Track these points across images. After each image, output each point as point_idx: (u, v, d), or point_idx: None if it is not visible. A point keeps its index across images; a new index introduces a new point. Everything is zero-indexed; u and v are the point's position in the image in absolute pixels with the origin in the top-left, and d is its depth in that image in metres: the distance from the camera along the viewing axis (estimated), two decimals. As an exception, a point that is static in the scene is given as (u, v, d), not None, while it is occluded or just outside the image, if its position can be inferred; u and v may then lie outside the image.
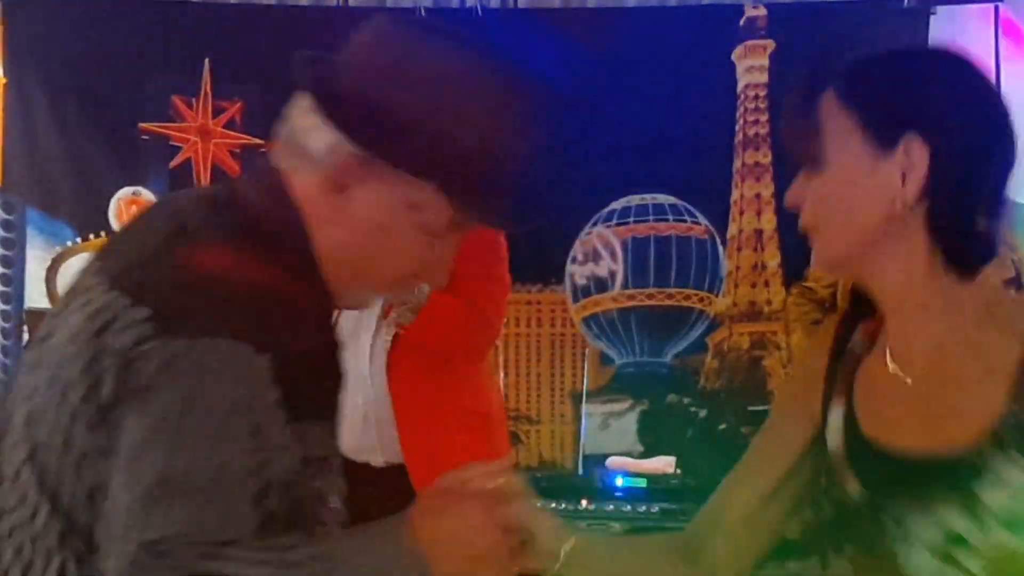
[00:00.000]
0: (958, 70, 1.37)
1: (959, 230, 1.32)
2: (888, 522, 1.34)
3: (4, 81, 4.88)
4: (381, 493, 2.87)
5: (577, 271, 4.75)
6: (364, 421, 3.01)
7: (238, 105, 4.81)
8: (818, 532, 1.43)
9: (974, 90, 1.36)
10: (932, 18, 4.46)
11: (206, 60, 4.79)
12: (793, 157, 1.40)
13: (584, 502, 3.87)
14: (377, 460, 3.04)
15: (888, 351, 1.40)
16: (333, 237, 1.35)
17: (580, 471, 4.61)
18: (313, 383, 1.32)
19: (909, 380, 1.37)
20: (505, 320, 4.78)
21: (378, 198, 1.34)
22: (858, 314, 1.46)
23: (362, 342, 3.02)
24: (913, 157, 1.31)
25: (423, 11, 4.69)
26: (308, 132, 1.38)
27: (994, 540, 1.27)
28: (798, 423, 1.47)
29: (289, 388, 1.24)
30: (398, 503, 1.37)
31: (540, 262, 4.75)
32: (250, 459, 1.22)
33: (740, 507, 1.50)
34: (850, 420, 1.41)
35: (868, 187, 1.33)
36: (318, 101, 1.38)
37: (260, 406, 1.23)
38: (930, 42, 4.40)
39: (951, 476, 1.29)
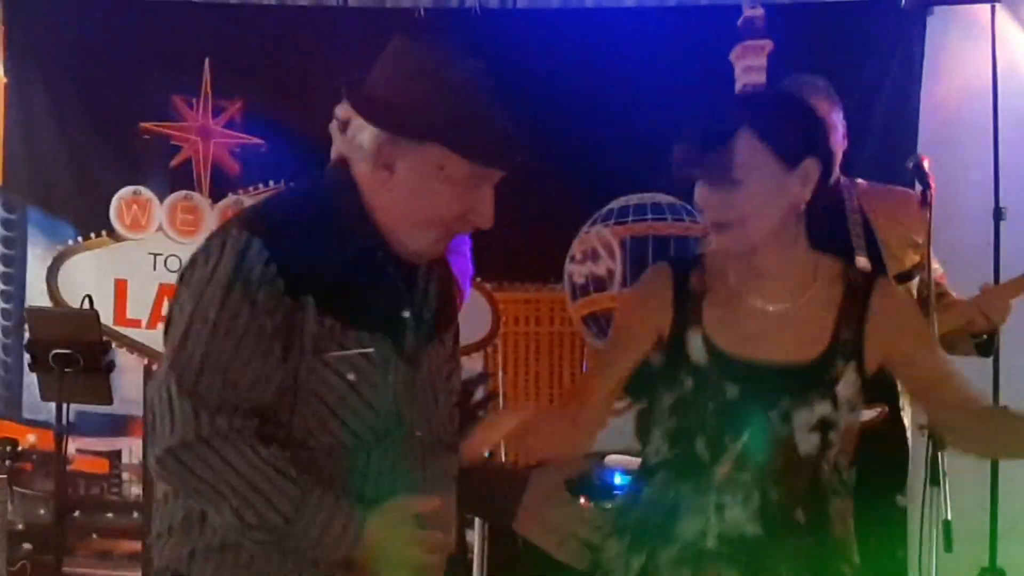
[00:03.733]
0: (824, 107, 2.27)
1: (820, 217, 2.02)
2: (773, 415, 1.99)
3: (4, 81, 4.90)
4: None
5: (576, 270, 4.76)
6: None
7: (238, 105, 4.82)
8: (704, 425, 2.04)
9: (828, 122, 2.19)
10: (929, 18, 4.47)
11: (206, 60, 4.80)
12: (707, 176, 2.00)
13: (582, 500, 3.88)
14: None
15: (748, 292, 2.04)
16: (385, 200, 1.84)
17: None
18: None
19: (771, 308, 2.03)
20: (504, 319, 4.81)
21: (412, 164, 1.81)
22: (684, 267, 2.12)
23: None
24: (810, 172, 1.99)
25: (423, 11, 4.71)
26: (358, 130, 1.83)
27: (842, 417, 2.01)
28: (644, 339, 2.10)
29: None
30: None
31: (539, 261, 4.77)
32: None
33: (593, 392, 2.14)
34: (707, 340, 2.03)
35: (778, 195, 1.98)
36: (355, 107, 1.83)
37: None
38: (927, 42, 4.44)
39: (814, 379, 2.00)
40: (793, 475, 2.00)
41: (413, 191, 1.83)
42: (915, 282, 3.31)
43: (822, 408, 1.99)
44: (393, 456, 1.83)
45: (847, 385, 2.00)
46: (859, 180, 3.34)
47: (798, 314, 2.02)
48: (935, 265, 3.33)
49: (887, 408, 3.15)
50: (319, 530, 1.73)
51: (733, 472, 1.99)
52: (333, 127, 1.87)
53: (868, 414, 3.01)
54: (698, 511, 2.01)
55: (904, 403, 3.17)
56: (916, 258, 3.28)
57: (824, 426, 1.99)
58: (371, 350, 1.83)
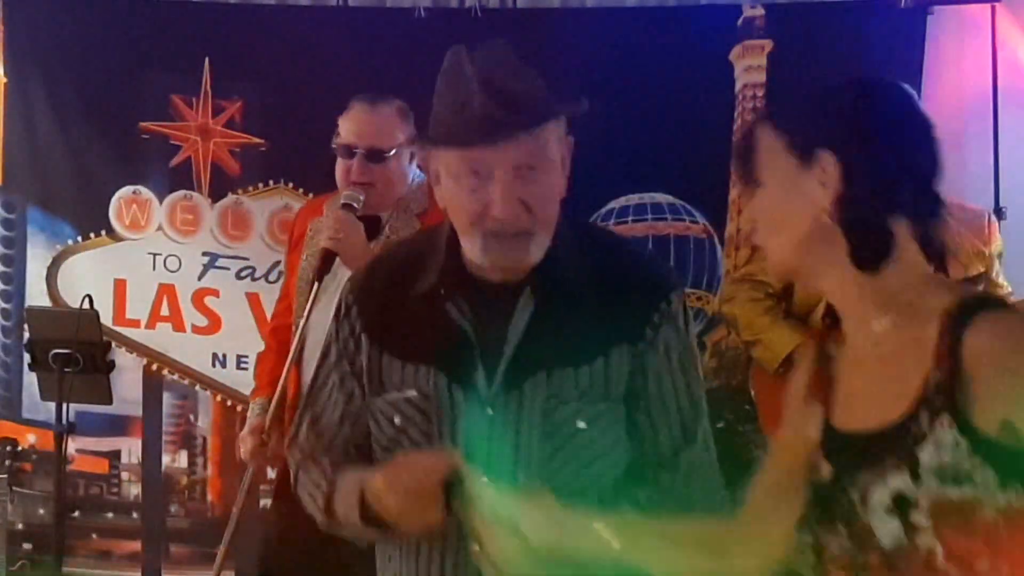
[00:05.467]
0: (871, 96, 1.61)
1: (862, 232, 1.55)
2: (853, 495, 1.51)
3: (4, 81, 4.89)
4: None
5: (576, 270, 4.75)
6: None
7: (238, 104, 4.82)
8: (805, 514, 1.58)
9: (882, 114, 1.58)
10: (929, 18, 4.47)
11: (206, 60, 4.80)
12: (740, 180, 1.66)
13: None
14: None
15: (841, 340, 1.61)
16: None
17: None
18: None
19: (853, 359, 1.58)
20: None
21: (435, 170, 1.88)
22: (831, 323, 1.65)
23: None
24: (827, 169, 1.54)
25: (422, 11, 4.70)
26: None
27: (930, 492, 1.45)
28: (799, 435, 1.63)
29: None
30: None
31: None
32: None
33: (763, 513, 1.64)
34: (827, 416, 1.60)
35: (795, 198, 1.57)
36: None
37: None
38: (927, 42, 4.44)
39: (895, 445, 1.48)
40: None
41: (443, 197, 1.87)
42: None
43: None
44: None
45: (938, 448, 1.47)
46: None
47: (887, 362, 1.54)
48: (1004, 285, 3.50)
49: None
50: (341, 508, 1.87)
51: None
52: None
53: None
54: None
55: None
56: (981, 268, 3.45)
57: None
58: (412, 393, 1.83)
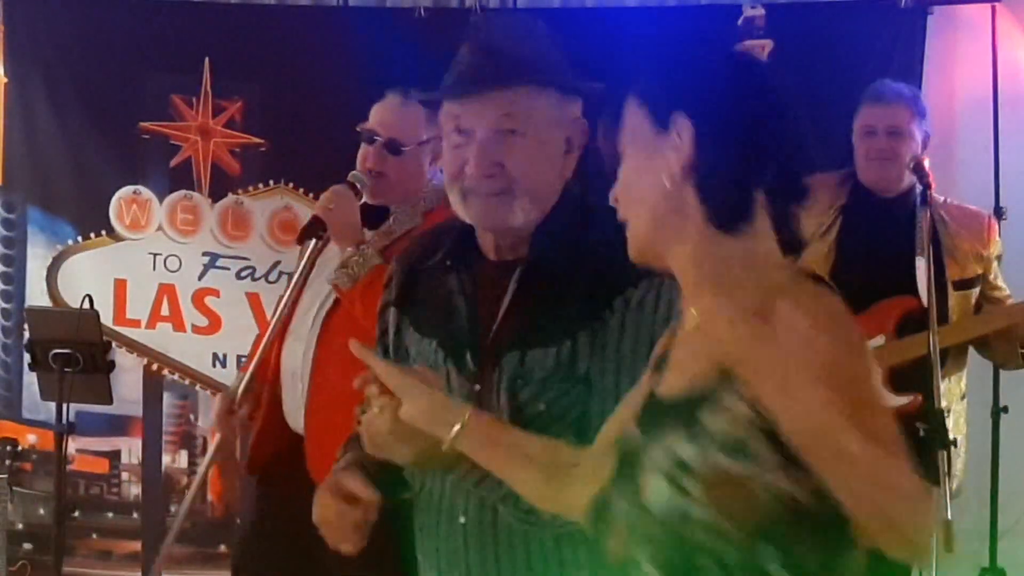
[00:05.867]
0: (730, 64, 1.56)
1: (719, 191, 1.47)
2: (645, 457, 1.48)
3: (4, 81, 4.90)
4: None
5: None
6: (300, 382, 2.91)
7: (238, 104, 4.82)
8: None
9: (739, 85, 1.51)
10: (929, 18, 4.47)
11: (206, 60, 4.80)
12: (607, 156, 1.59)
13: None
14: (299, 425, 2.93)
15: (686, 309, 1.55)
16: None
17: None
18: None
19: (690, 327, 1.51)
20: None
21: (443, 125, 1.92)
22: None
23: (316, 303, 2.94)
24: (682, 134, 1.46)
25: (422, 11, 4.71)
26: None
27: (711, 462, 1.39)
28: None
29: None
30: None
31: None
32: None
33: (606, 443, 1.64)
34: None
35: (650, 167, 1.49)
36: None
37: None
38: (927, 42, 4.44)
39: (683, 407, 1.44)
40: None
41: (446, 148, 1.94)
42: (975, 291, 3.54)
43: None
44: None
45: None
46: (935, 195, 3.47)
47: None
48: (1003, 287, 3.53)
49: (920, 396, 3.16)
50: None
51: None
52: None
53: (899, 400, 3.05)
54: None
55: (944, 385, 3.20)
56: (979, 270, 3.48)
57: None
58: (424, 366, 1.84)
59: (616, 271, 1.75)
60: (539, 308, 1.84)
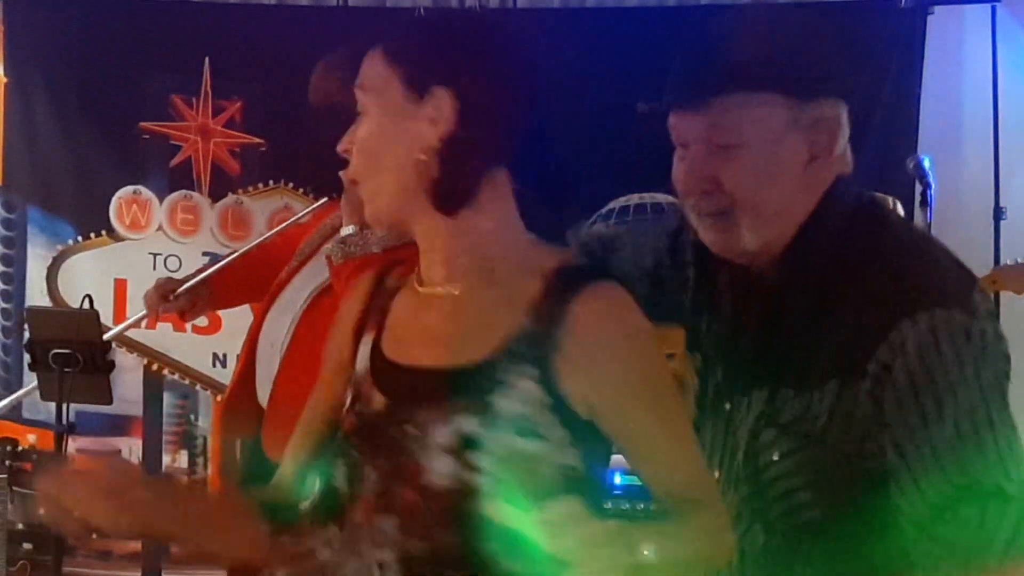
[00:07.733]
0: (488, 34, 1.53)
1: (451, 172, 1.46)
2: (410, 431, 1.46)
3: (4, 81, 4.90)
4: None
5: (576, 270, 4.75)
6: (277, 354, 2.87)
7: (238, 104, 4.82)
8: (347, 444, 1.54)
9: (504, 62, 1.50)
10: (929, 18, 4.47)
11: (206, 60, 4.80)
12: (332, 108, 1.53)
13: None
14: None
15: (419, 280, 1.55)
16: None
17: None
18: None
19: (440, 290, 1.51)
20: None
21: None
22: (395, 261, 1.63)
23: (313, 282, 2.88)
24: (442, 108, 1.44)
25: (422, 11, 4.71)
26: None
27: (503, 441, 1.40)
28: (337, 375, 1.60)
29: None
30: None
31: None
32: None
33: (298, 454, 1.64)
34: (376, 347, 1.55)
35: (402, 135, 1.46)
36: None
37: None
38: (927, 42, 4.44)
39: (468, 387, 1.44)
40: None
41: None
42: None
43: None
44: None
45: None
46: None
47: (467, 306, 1.50)
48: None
49: None
50: None
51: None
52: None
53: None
54: None
55: None
56: None
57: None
58: None
59: (887, 299, 1.53)
60: (791, 343, 1.62)
